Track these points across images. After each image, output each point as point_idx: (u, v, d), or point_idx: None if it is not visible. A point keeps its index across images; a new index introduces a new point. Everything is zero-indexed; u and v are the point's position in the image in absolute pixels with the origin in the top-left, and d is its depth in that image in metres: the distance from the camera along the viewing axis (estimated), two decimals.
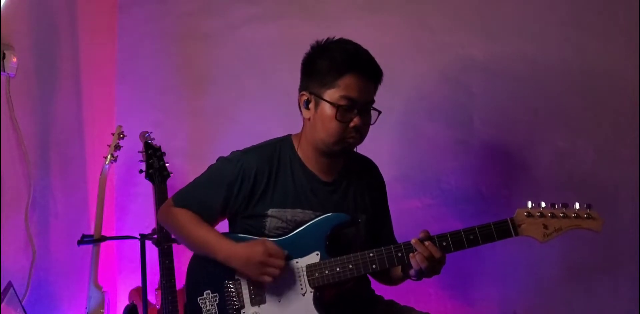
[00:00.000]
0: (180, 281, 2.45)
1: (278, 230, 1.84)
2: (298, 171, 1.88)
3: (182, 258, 2.79)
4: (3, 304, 1.85)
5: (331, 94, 1.77)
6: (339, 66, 1.77)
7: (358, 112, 1.78)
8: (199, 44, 2.93)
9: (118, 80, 3.00)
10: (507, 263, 2.55)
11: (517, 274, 2.57)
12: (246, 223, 1.87)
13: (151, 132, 2.46)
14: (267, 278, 1.74)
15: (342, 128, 1.78)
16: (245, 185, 1.83)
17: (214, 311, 1.83)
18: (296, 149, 1.90)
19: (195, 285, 1.89)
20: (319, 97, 1.79)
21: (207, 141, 2.90)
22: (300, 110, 1.87)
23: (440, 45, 2.66)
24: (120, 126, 2.56)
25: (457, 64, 2.65)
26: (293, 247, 1.79)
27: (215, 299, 1.83)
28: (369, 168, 2.02)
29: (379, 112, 1.83)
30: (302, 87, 1.86)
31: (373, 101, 1.83)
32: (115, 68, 2.99)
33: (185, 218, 1.87)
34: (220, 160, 1.92)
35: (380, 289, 2.05)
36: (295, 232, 1.82)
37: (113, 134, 2.54)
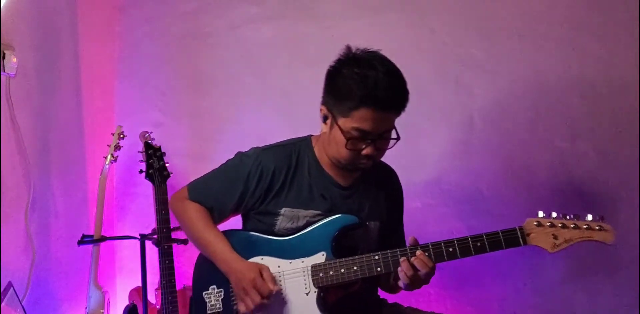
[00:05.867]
0: (180, 281, 2.45)
1: (287, 230, 1.85)
2: (315, 173, 1.87)
3: (182, 258, 2.79)
4: (3, 304, 1.85)
5: (344, 123, 1.73)
6: (354, 98, 1.69)
7: (371, 141, 1.73)
8: (199, 43, 2.93)
9: (118, 80, 3.00)
10: (507, 263, 2.55)
11: (517, 275, 2.57)
12: (258, 219, 1.89)
13: (151, 132, 2.46)
14: (242, 307, 1.76)
15: (354, 155, 1.76)
16: (263, 182, 1.84)
17: (218, 306, 1.85)
18: (315, 151, 1.89)
19: (201, 280, 1.91)
20: (334, 120, 1.76)
21: (207, 141, 2.90)
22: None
23: (440, 45, 2.66)
24: (120, 126, 2.56)
25: (457, 64, 2.65)
26: (300, 246, 1.81)
27: (220, 295, 1.85)
28: (388, 176, 2.01)
29: (398, 139, 1.78)
30: (323, 101, 1.80)
31: (391, 128, 1.76)
32: (115, 68, 2.99)
33: (196, 215, 1.88)
34: (239, 155, 1.92)
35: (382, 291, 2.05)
36: (303, 232, 1.83)
37: (113, 134, 2.54)
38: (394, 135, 1.78)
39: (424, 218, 2.62)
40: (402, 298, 2.06)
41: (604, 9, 2.48)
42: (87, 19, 2.71)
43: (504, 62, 2.60)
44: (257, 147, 1.92)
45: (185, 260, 2.82)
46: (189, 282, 2.61)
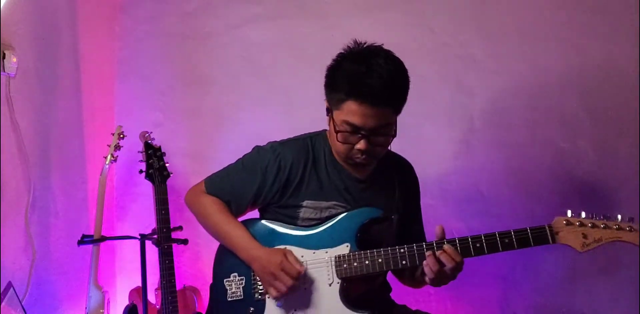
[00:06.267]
0: (180, 281, 2.45)
1: (311, 221, 1.85)
2: (331, 165, 1.88)
3: (182, 258, 2.80)
4: (3, 304, 1.85)
5: (336, 115, 1.74)
6: (343, 90, 1.70)
7: (363, 136, 1.73)
8: (199, 44, 2.93)
9: (118, 80, 3.00)
10: (507, 263, 2.55)
11: (517, 274, 2.57)
12: (279, 213, 1.89)
13: (151, 132, 2.46)
14: (273, 292, 1.76)
15: (347, 149, 1.77)
16: (281, 175, 1.85)
17: (239, 293, 1.85)
18: (330, 144, 1.89)
19: (222, 267, 1.91)
20: (331, 113, 1.78)
21: (207, 141, 2.90)
22: None
23: (440, 45, 2.67)
24: (120, 126, 2.56)
25: (457, 64, 2.65)
26: (324, 237, 1.81)
27: (242, 283, 1.85)
28: (403, 168, 2.01)
29: (393, 136, 1.77)
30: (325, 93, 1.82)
31: (387, 124, 1.74)
32: (115, 68, 2.99)
33: (214, 208, 1.89)
34: (257, 148, 1.93)
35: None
36: (327, 223, 1.83)
37: (113, 134, 2.54)
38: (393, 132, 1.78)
39: (424, 218, 2.62)
40: (402, 297, 2.06)
41: (604, 9, 2.49)
42: (87, 19, 2.71)
43: (504, 62, 2.60)
44: (274, 141, 1.93)
45: (186, 260, 2.82)
46: (189, 282, 2.62)
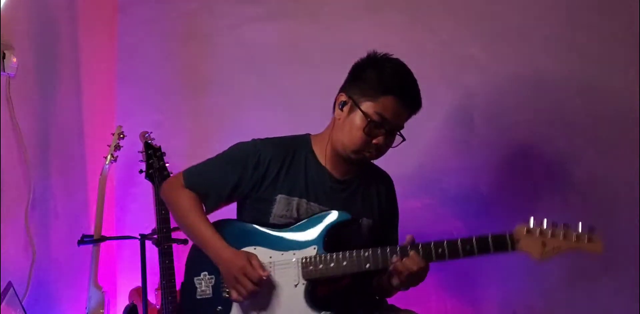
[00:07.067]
0: (180, 281, 2.45)
1: (283, 218, 1.88)
2: (311, 166, 1.91)
3: (182, 258, 2.79)
4: (3, 304, 1.85)
5: (368, 106, 1.80)
6: (387, 84, 1.80)
7: (385, 131, 1.82)
8: (199, 44, 2.93)
9: (118, 80, 3.00)
10: (507, 263, 2.55)
11: (517, 274, 2.57)
12: (254, 207, 1.91)
13: (151, 132, 2.46)
14: (234, 294, 1.78)
15: (365, 142, 1.82)
16: (260, 169, 1.88)
17: (208, 292, 1.87)
18: (313, 147, 1.94)
19: (193, 265, 1.93)
20: (356, 104, 1.82)
21: (207, 141, 2.90)
22: (334, 108, 1.90)
23: (440, 45, 2.67)
24: (120, 126, 2.56)
25: (457, 64, 2.65)
26: (293, 239, 1.84)
27: (211, 281, 1.87)
28: (384, 180, 2.05)
29: (403, 139, 1.87)
30: (343, 88, 1.88)
31: (402, 127, 1.87)
32: (115, 68, 2.99)
33: (189, 205, 1.90)
34: (238, 143, 1.96)
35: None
36: (297, 225, 1.85)
37: (113, 134, 2.54)
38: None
39: (424, 218, 2.62)
40: (402, 297, 2.06)
41: (604, 9, 2.48)
42: (87, 19, 2.71)
43: (504, 62, 2.60)
44: (256, 138, 1.96)
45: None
46: None
